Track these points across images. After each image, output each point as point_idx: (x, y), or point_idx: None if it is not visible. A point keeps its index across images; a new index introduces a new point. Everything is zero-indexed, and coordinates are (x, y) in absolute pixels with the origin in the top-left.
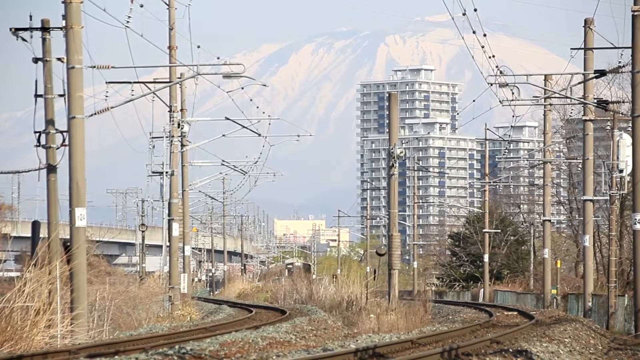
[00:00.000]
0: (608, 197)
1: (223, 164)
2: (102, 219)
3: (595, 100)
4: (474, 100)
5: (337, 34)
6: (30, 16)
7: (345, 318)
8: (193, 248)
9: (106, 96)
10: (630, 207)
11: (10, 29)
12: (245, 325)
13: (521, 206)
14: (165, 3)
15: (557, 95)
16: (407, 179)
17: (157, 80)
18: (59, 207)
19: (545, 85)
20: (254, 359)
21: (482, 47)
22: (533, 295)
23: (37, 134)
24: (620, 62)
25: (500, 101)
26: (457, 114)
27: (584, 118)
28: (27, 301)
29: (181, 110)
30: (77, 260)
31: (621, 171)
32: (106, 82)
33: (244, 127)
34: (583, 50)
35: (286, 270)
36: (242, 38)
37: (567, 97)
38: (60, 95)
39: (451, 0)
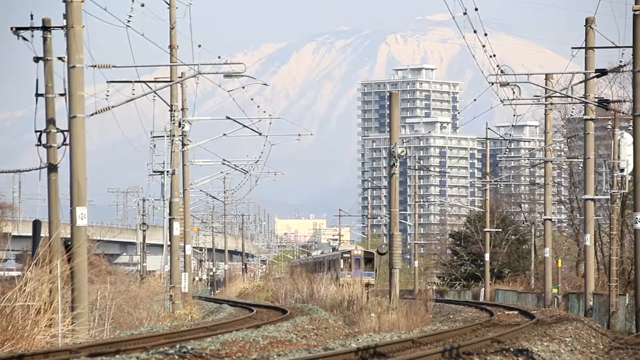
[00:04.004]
0: (609, 196)
1: (224, 163)
2: (103, 218)
3: (596, 100)
4: (474, 100)
5: (338, 33)
6: (31, 15)
7: (346, 317)
8: (194, 247)
9: (107, 95)
10: (631, 206)
11: (11, 28)
12: (246, 324)
13: (522, 205)
14: (166, 2)
15: (558, 94)
16: (408, 178)
17: (158, 80)
18: (59, 206)
19: (546, 85)
20: (255, 358)
21: (483, 46)
22: (534, 294)
23: (38, 133)
24: (621, 61)
25: (501, 100)
26: (458, 113)
27: (585, 117)
28: (28, 300)
29: (182, 109)
30: (77, 259)
31: (622, 170)
32: (107, 82)
33: (244, 126)
34: (584, 50)
35: (341, 261)
36: (243, 37)
37: (568, 96)
38: (61, 95)
39: (452, 0)
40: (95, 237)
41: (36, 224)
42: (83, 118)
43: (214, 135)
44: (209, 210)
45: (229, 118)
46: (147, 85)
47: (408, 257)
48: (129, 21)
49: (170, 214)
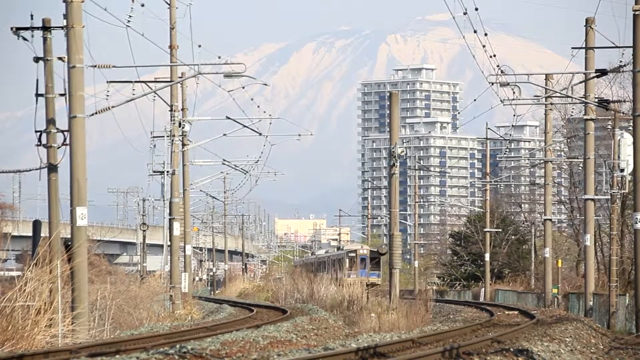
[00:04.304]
0: (609, 197)
1: (224, 163)
2: (103, 218)
3: (596, 100)
4: (475, 100)
5: (338, 33)
6: (32, 15)
7: (346, 317)
8: (194, 247)
9: (107, 95)
10: (631, 206)
11: (12, 28)
12: (246, 324)
13: (522, 205)
14: (166, 2)
15: (558, 94)
16: (408, 178)
17: (158, 80)
18: (60, 207)
19: (546, 85)
20: (255, 358)
21: (483, 46)
22: (534, 294)
23: (38, 133)
24: (621, 61)
25: (501, 100)
26: (458, 113)
27: (585, 117)
28: (28, 300)
29: (182, 109)
30: (78, 259)
31: (622, 170)
32: (107, 82)
33: (244, 126)
34: (584, 50)
35: (347, 260)
36: (243, 37)
37: (568, 97)
38: (61, 95)
39: (452, 0)
40: (95, 237)
41: (36, 224)
42: (83, 118)
43: (214, 135)
44: (209, 210)
45: (229, 118)
46: (147, 85)
47: (408, 257)
48: (129, 21)
49: (170, 214)
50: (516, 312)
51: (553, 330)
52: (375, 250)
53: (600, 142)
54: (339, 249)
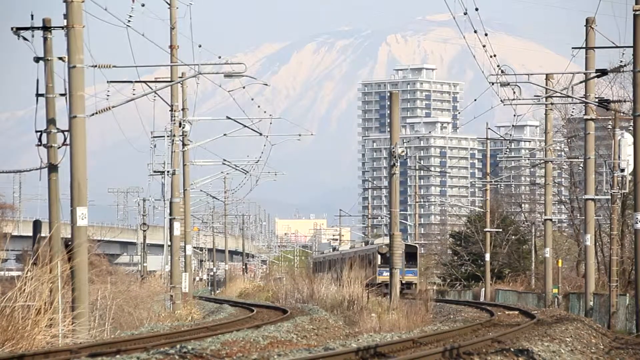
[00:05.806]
0: (609, 196)
1: (224, 164)
2: (104, 218)
3: (597, 100)
4: (475, 100)
5: (339, 33)
6: (32, 15)
7: (346, 317)
8: (194, 247)
9: (107, 95)
10: (632, 206)
11: (12, 28)
12: (247, 324)
13: (522, 205)
14: (167, 2)
15: (558, 94)
16: (408, 178)
17: (158, 80)
18: (60, 206)
19: (546, 85)
20: (255, 359)
21: (484, 46)
22: (534, 294)
23: (39, 133)
24: (621, 61)
25: (501, 100)
26: (459, 113)
27: (585, 117)
28: (28, 300)
29: (182, 109)
30: (78, 259)
31: (622, 170)
32: (107, 82)
33: (245, 126)
34: (584, 50)
35: (378, 256)
36: (244, 37)
37: (568, 97)
38: (62, 95)
39: (452, 0)
40: (95, 237)
41: (36, 224)
42: (83, 118)
43: (214, 135)
44: (210, 210)
45: (229, 118)
46: (148, 85)
47: None
48: (129, 21)
49: (170, 214)
50: (516, 312)
51: (553, 330)
52: (411, 244)
53: (600, 142)
54: (367, 243)
